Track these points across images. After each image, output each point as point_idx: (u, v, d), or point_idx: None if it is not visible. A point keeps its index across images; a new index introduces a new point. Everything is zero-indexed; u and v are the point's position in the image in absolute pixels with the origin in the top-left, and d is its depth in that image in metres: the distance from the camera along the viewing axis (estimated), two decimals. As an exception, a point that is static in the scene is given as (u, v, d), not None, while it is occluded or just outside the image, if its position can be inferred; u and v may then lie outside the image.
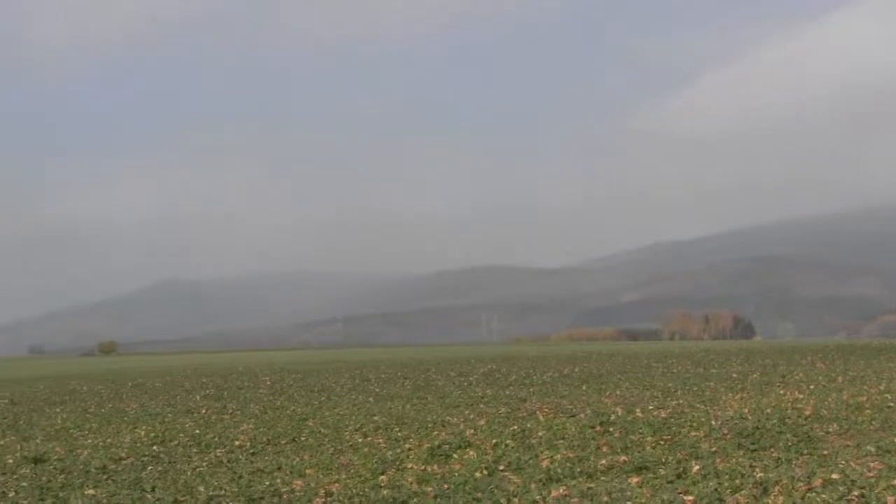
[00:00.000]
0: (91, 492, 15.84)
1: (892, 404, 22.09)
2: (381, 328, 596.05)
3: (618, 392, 29.29)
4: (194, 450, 21.03)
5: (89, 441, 23.95)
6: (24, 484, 17.34)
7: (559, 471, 14.99)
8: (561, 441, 18.19)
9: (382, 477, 15.55)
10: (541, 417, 22.36)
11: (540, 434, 19.23)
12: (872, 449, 15.68)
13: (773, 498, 12.32)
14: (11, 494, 16.24)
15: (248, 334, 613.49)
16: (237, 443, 21.52)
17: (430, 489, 14.13)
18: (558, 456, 16.30)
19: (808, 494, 12.41)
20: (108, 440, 23.81)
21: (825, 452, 15.65)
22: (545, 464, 15.64)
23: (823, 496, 12.31)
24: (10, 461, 20.73)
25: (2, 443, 25.10)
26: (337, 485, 15.00)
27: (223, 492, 15.09)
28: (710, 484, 13.26)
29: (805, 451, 15.81)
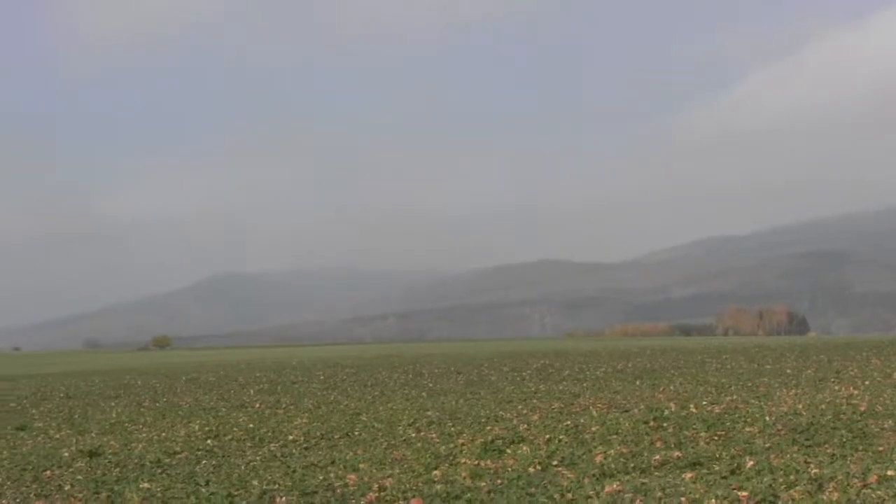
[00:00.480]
0: (146, 485, 15.91)
1: (948, 400, 21.91)
2: (434, 323, 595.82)
3: (671, 387, 29.17)
4: (248, 444, 21.10)
5: (144, 435, 24.07)
6: (79, 477, 17.44)
7: (613, 466, 14.93)
8: (614, 436, 18.13)
9: (436, 472, 15.54)
10: (594, 413, 22.29)
11: (593, 429, 19.18)
12: (929, 445, 15.56)
13: (827, 494, 12.23)
14: (67, 487, 16.34)
15: (301, 329, 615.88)
16: (291, 437, 21.57)
17: (483, 484, 14.11)
18: (612, 451, 16.25)
19: (864, 491, 12.32)
20: (163, 434, 23.92)
21: (880, 448, 15.52)
22: (599, 459, 15.59)
23: (878, 493, 12.22)
24: (66, 455, 20.85)
25: (57, 436, 25.26)
26: (390, 479, 15.00)
27: (277, 486, 15.11)
28: (765, 480, 13.18)
29: (860, 448, 15.69)
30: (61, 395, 40.32)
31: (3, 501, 15.23)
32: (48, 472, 18.44)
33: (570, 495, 12.99)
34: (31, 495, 15.79)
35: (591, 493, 13.01)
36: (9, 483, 17.43)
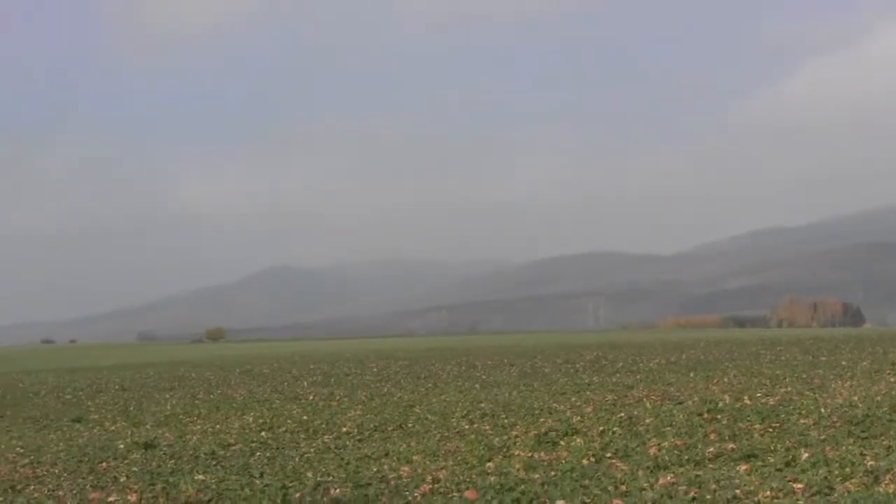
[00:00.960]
0: (200, 477, 15.97)
1: None
2: (487, 315, 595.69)
3: (725, 379, 29.02)
4: (302, 436, 21.14)
5: (198, 427, 24.19)
6: (134, 469, 17.54)
7: (667, 458, 14.87)
8: (668, 428, 18.05)
9: (489, 463, 15.53)
10: (648, 405, 22.21)
11: (647, 421, 19.10)
12: None
13: (884, 486, 12.13)
14: (123, 479, 16.43)
15: (354, 322, 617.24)
16: (344, 429, 21.60)
17: (537, 476, 14.08)
18: (666, 443, 16.18)
19: (921, 483, 12.22)
20: (217, 426, 24.03)
21: (938, 440, 15.39)
22: (653, 451, 15.53)
23: (936, 485, 12.11)
24: (122, 446, 20.98)
25: (113, 428, 25.43)
26: (444, 471, 14.99)
27: (331, 477, 15.14)
28: (820, 472, 13.09)
29: (917, 440, 15.56)
30: (116, 387, 40.60)
31: (61, 493, 15.34)
32: (104, 464, 18.56)
33: (624, 487, 12.94)
34: (88, 487, 15.89)
35: (646, 485, 12.96)
36: (66, 475, 17.56)
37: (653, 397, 23.76)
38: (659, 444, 16.09)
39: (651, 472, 13.96)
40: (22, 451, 21.72)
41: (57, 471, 18.14)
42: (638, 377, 31.49)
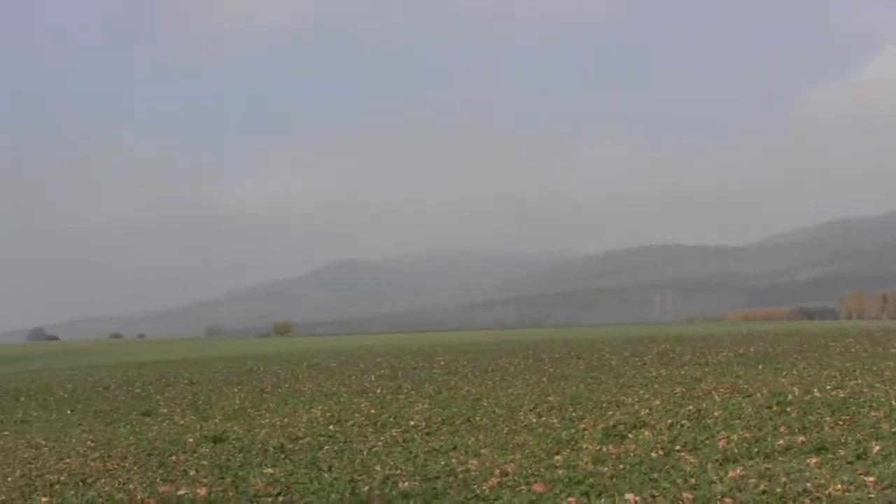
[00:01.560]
0: (269, 470, 16.05)
1: None
2: (553, 308, 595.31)
3: (794, 372, 28.79)
4: (370, 429, 21.18)
5: (266, 420, 24.29)
6: (204, 462, 17.65)
7: (736, 451, 14.78)
8: (737, 421, 17.95)
9: (557, 457, 15.50)
10: (716, 397, 22.09)
11: (716, 414, 19.01)
12: None
13: (957, 479, 12.02)
14: (192, 473, 16.53)
15: (421, 315, 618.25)
16: (412, 422, 21.62)
17: (605, 469, 14.05)
18: (735, 436, 16.08)
19: None
20: (285, 420, 24.12)
21: None
22: (722, 444, 15.44)
23: None
24: (191, 440, 21.12)
25: (182, 422, 25.60)
26: (512, 464, 14.98)
27: (399, 471, 15.17)
28: (892, 465, 12.97)
29: None
30: (185, 381, 40.87)
31: (131, 486, 15.45)
32: (174, 458, 18.70)
33: (693, 480, 12.88)
34: (158, 480, 16.00)
35: (715, 478, 12.90)
36: (136, 468, 17.70)
37: (721, 390, 23.61)
38: (728, 437, 16.00)
39: (720, 465, 13.89)
40: (92, 444, 21.92)
41: (127, 464, 18.29)
42: (706, 370, 31.30)
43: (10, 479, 17.58)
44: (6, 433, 26.47)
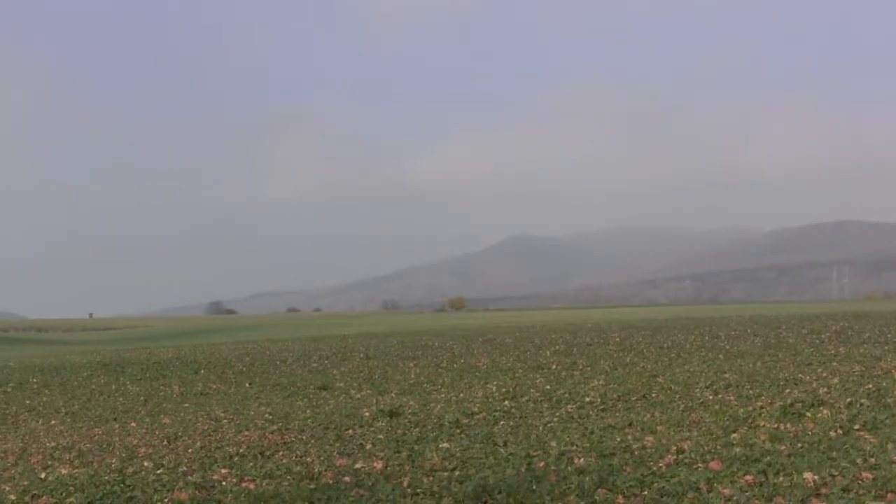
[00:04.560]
0: (445, 445, 16.11)
1: None
2: (729, 285, 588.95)
3: (980, 351, 28.10)
4: (545, 405, 21.16)
5: (442, 395, 24.43)
6: (380, 437, 17.80)
7: (918, 431, 14.46)
8: (919, 400, 17.56)
9: (734, 434, 15.30)
10: (897, 376, 21.65)
11: (896, 393, 18.62)
12: None
13: None
14: (368, 446, 16.68)
15: (596, 291, 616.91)
16: (587, 399, 21.55)
17: (783, 448, 13.83)
18: (916, 416, 15.74)
19: None
20: (461, 395, 24.22)
21: None
22: (903, 424, 15.12)
23: None
24: (367, 414, 21.31)
25: (358, 396, 25.88)
26: (688, 442, 14.84)
27: (574, 447, 15.11)
28: None
29: None
30: (361, 355, 41.24)
31: (308, 459, 15.64)
32: (350, 431, 18.89)
33: (872, 460, 12.60)
34: (334, 453, 16.18)
35: (895, 458, 12.64)
36: (313, 441, 17.93)
37: (902, 369, 23.13)
38: (909, 417, 15.66)
39: (902, 445, 13.58)
40: (270, 417, 22.27)
41: (304, 437, 18.54)
42: (886, 348, 30.63)
43: (190, 450, 17.95)
44: (186, 405, 27.07)
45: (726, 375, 24.14)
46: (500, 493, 12.20)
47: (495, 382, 26.57)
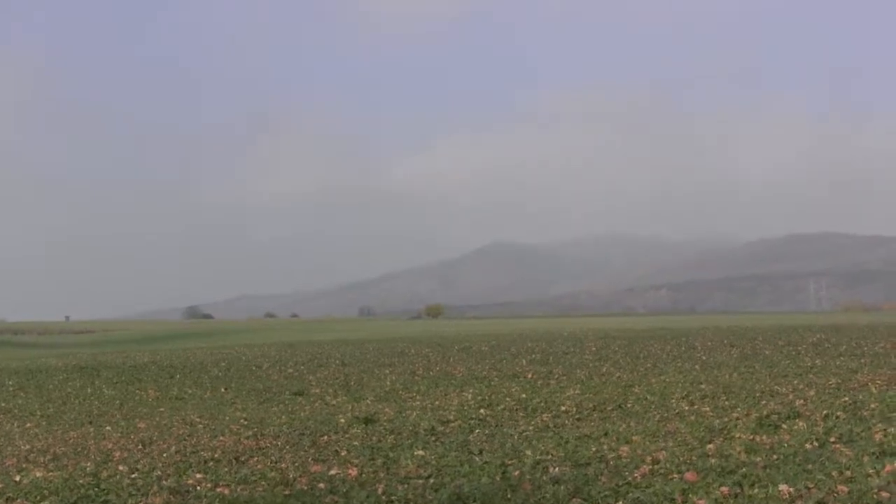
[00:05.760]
0: (420, 453, 16.14)
1: None
2: (707, 294, 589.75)
3: (955, 364, 28.21)
4: (520, 414, 21.20)
5: (417, 403, 24.47)
6: (355, 443, 17.82)
7: (893, 444, 14.48)
8: (894, 414, 17.61)
9: (710, 445, 15.34)
10: (873, 389, 21.70)
11: (872, 406, 18.65)
12: None
13: None
14: (343, 453, 16.69)
15: (573, 299, 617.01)
16: (563, 408, 21.59)
17: (758, 459, 13.87)
18: (892, 429, 15.75)
19: None
20: (436, 402, 24.27)
21: None
22: (878, 437, 15.15)
23: None
24: (342, 421, 21.34)
25: (334, 402, 25.90)
26: (663, 452, 14.87)
27: (550, 456, 15.14)
28: None
29: None
30: (337, 362, 41.26)
31: (283, 465, 15.65)
32: (325, 438, 18.92)
33: (848, 473, 12.64)
34: (309, 459, 16.20)
35: (871, 471, 12.65)
36: (288, 447, 17.95)
37: (878, 381, 23.19)
38: (885, 430, 15.68)
39: (877, 458, 13.61)
40: (246, 422, 22.32)
41: (279, 443, 18.57)
42: (862, 361, 30.74)
43: (165, 454, 17.97)
44: (162, 410, 27.08)
45: (702, 386, 24.22)
46: (474, 501, 12.23)
47: (471, 391, 26.61)
